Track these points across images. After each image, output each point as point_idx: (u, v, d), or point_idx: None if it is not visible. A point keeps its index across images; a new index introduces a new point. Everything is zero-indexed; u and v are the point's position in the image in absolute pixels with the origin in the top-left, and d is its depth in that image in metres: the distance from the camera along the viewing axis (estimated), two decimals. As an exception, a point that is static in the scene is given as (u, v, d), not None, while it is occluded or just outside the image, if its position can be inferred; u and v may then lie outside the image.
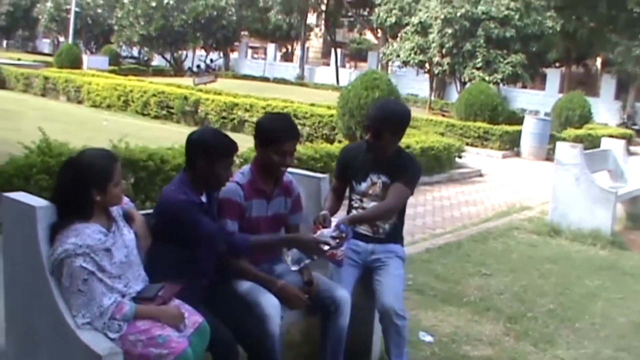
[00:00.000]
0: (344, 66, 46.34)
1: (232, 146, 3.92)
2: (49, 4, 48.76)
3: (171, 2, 38.85)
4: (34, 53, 51.24)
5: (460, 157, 15.07)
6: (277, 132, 4.09)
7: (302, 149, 10.80)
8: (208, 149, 3.83)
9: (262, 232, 4.25)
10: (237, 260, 4.14)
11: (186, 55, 45.10)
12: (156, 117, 21.79)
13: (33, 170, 7.45)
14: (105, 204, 3.49)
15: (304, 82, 40.57)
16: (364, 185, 4.57)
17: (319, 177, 4.92)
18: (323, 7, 45.42)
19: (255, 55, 56.77)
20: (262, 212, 4.26)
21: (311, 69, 46.45)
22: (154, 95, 22.36)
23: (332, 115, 17.17)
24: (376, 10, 32.50)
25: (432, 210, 10.83)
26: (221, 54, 47.05)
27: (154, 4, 38.75)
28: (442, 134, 17.14)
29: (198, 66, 42.99)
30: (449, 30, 26.23)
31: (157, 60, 46.90)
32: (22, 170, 7.45)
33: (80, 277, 3.28)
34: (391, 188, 4.48)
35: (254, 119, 19.00)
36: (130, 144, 8.95)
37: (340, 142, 14.54)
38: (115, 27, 43.18)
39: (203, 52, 45.54)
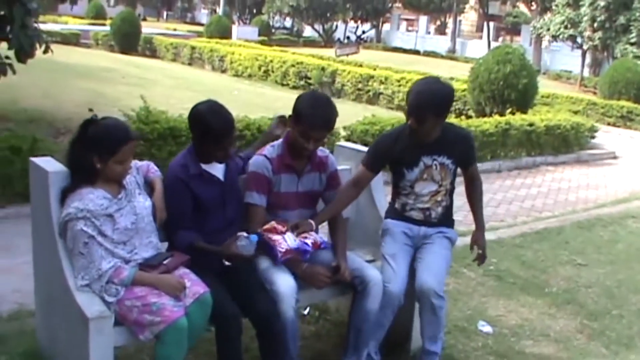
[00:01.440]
0: (496, 40, 44.85)
1: (227, 127, 3.75)
2: (205, -24, 50.28)
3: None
4: (191, 23, 53.06)
5: (593, 137, 14.13)
6: (309, 117, 3.86)
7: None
8: (204, 129, 3.72)
9: (291, 208, 4.09)
10: None
11: (336, 27, 45.19)
12: (294, 88, 21.88)
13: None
14: (105, 174, 3.47)
15: (454, 56, 39.68)
16: (416, 171, 4.23)
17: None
18: (476, -22, 44.14)
19: (410, 28, 56.10)
20: (291, 187, 4.08)
21: (463, 43, 45.38)
22: (292, 65, 22.52)
23: (465, 90, 16.59)
24: (527, -19, 31.21)
25: (546, 192, 10.22)
26: (373, 26, 46.77)
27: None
28: (576, 112, 16.12)
29: (348, 37, 42.99)
30: (602, 3, 24.72)
31: (308, 32, 47.30)
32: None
33: (81, 240, 3.34)
34: (471, 172, 4.39)
35: (389, 92, 18.85)
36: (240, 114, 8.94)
37: (469, 117, 14.03)
38: (267, -1, 43.85)
39: (355, 24, 45.49)
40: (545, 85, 21.61)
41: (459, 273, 6.08)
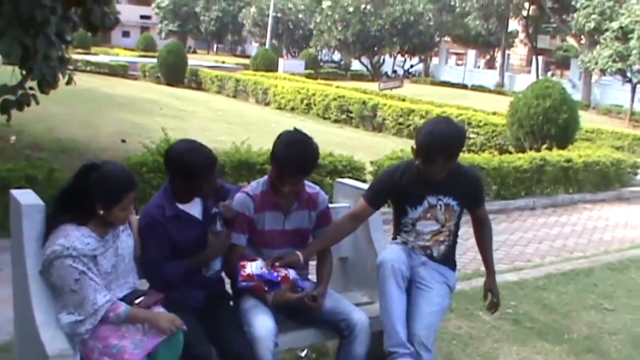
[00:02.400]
0: (545, 74, 44.31)
1: (208, 163, 3.64)
2: (252, 10, 50.80)
3: (369, 7, 38.98)
4: (241, 56, 53.65)
5: (636, 174, 13.66)
6: (282, 160, 3.72)
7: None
8: (185, 168, 3.60)
9: (277, 246, 3.93)
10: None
11: (383, 60, 45.19)
12: (336, 121, 21.86)
13: (143, 169, 7.55)
14: (107, 221, 3.38)
15: (502, 90, 39.30)
16: (420, 210, 4.05)
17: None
18: (525, 13, 43.69)
19: (460, 62, 55.86)
20: (277, 225, 3.92)
21: (512, 77, 45.00)
22: (334, 99, 22.49)
23: (504, 125, 16.28)
24: (574, 15, 30.76)
25: (580, 231, 9.85)
26: (421, 60, 46.68)
27: (351, 9, 39.17)
28: (619, 148, 15.63)
29: (395, 71, 42.94)
30: (651, 36, 24.21)
31: (357, 65, 47.40)
32: (134, 168, 7.55)
33: (72, 277, 3.21)
34: (478, 213, 4.23)
35: (429, 126, 18.49)
36: (253, 146, 8.90)
37: (510, 152, 13.74)
38: (314, 32, 44.06)
39: (405, 57, 45.44)
40: (593, 121, 21.21)
41: (474, 315, 5.80)
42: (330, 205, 4.54)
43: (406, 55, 44.40)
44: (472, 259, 7.80)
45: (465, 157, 10.54)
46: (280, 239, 3.92)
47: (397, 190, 4.06)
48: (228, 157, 8.28)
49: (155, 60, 32.37)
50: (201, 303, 3.74)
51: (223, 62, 43.25)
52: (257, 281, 3.68)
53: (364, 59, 43.91)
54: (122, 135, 13.10)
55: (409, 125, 19.51)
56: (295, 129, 3.85)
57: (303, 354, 4.78)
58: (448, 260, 4.17)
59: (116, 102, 18.32)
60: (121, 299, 3.39)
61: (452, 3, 43.03)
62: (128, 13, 67.91)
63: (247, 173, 8.35)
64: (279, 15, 46.36)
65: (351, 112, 21.66)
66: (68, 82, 8.99)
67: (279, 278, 3.72)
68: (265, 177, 3.94)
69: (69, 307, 3.26)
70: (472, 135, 17.48)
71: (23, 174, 7.00)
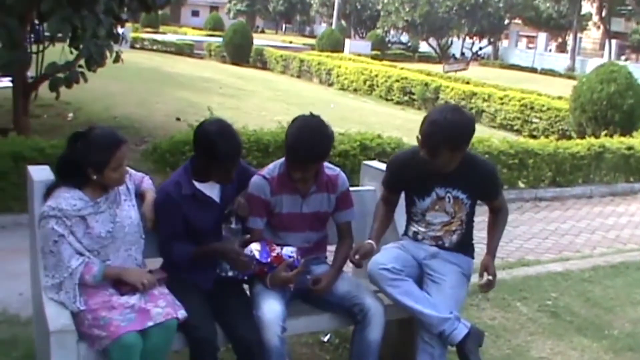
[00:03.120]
0: (619, 58, 43.02)
1: (234, 150, 3.55)
2: (321, -11, 50.70)
3: (437, -12, 38.47)
4: (308, 37, 53.55)
5: None
6: (292, 150, 3.61)
7: (497, 141, 9.98)
8: (210, 150, 3.52)
9: (296, 230, 3.83)
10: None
11: (451, 42, 44.54)
12: (398, 103, 21.69)
13: (186, 148, 7.54)
14: (103, 184, 3.42)
15: (572, 75, 38.24)
16: (427, 201, 3.89)
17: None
18: (598, -5, 42.52)
19: (530, 45, 54.68)
20: (295, 208, 3.81)
21: (583, 61, 43.74)
22: (397, 80, 22.30)
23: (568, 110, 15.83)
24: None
25: (637, 222, 9.43)
26: (490, 42, 45.83)
27: (419, -10, 38.64)
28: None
29: (463, 54, 42.33)
30: None
31: (425, 47, 46.85)
32: (177, 146, 7.58)
33: (51, 239, 3.28)
34: (495, 204, 4.00)
35: (492, 110, 18.26)
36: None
37: (571, 138, 13.33)
38: (382, 13, 43.66)
39: (473, 39, 44.71)
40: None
41: (511, 307, 5.61)
42: (356, 188, 4.45)
43: (475, 38, 43.64)
44: (517, 248, 7.60)
45: (520, 142, 10.26)
46: (299, 222, 3.83)
47: (405, 177, 3.91)
48: (273, 137, 8.21)
49: (221, 39, 32.54)
50: (211, 285, 3.68)
51: (290, 42, 43.28)
52: (255, 265, 3.59)
53: (432, 41, 43.33)
54: (178, 113, 13.16)
55: (471, 108, 19.14)
56: (312, 114, 3.71)
57: (326, 339, 4.70)
58: (462, 246, 3.99)
59: (176, 80, 18.44)
60: None
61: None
62: (198, -8, 68.76)
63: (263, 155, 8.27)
64: (347, -5, 46.14)
65: (414, 94, 21.44)
66: (116, 60, 9.04)
67: (269, 259, 3.61)
68: (282, 159, 3.83)
69: (48, 268, 3.33)
70: (534, 120, 17.10)
71: (61, 149, 7.03)
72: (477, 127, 13.00)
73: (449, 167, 3.74)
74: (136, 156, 9.06)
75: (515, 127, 17.60)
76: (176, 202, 3.57)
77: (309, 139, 3.54)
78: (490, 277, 3.93)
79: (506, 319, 5.38)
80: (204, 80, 19.43)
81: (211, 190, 3.68)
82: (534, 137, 15.56)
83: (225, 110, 14.37)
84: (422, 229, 3.96)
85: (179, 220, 3.59)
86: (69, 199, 3.32)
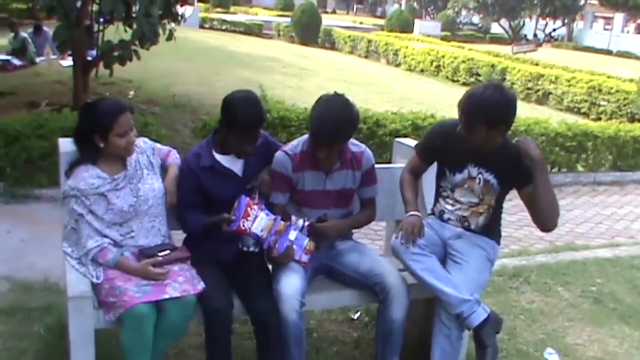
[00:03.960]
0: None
1: (254, 121, 3.53)
2: (391, -30, 50.17)
3: (509, -32, 37.63)
4: (380, 17, 53.14)
5: None
6: (316, 124, 3.56)
7: (555, 124, 9.76)
8: (231, 118, 3.52)
9: (320, 207, 3.80)
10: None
11: (523, 23, 43.58)
12: (464, 84, 21.29)
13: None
14: (111, 152, 3.47)
15: (650, 56, 37.06)
16: (458, 177, 3.79)
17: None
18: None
19: (608, 26, 53.10)
20: (318, 185, 3.79)
21: (663, 42, 42.33)
22: (463, 61, 21.97)
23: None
24: None
25: None
26: (564, 23, 44.70)
27: (491, -30, 37.87)
28: None
29: (535, 35, 41.41)
30: None
31: (496, 28, 46.00)
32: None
33: (73, 217, 3.43)
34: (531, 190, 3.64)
35: (559, 92, 17.88)
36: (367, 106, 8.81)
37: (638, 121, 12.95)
38: (452, -7, 43.08)
39: (546, 21, 43.69)
40: None
41: (552, 291, 5.50)
42: (387, 165, 4.40)
43: (548, 19, 42.60)
44: (567, 232, 7.45)
45: (578, 124, 10.00)
46: (323, 199, 3.80)
47: (443, 148, 3.80)
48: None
49: (289, 20, 32.56)
50: (232, 258, 3.69)
51: (361, 23, 42.97)
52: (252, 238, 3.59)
53: (504, 22, 42.47)
54: (237, 92, 13.23)
55: (538, 90, 18.82)
56: (336, 93, 3.67)
57: (355, 317, 4.69)
58: (489, 230, 3.86)
59: (239, 59, 18.53)
60: (144, 249, 3.48)
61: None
62: (269, -27, 68.85)
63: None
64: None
65: (480, 76, 21.08)
66: (169, 38, 9.11)
67: (261, 232, 3.58)
68: (305, 135, 3.80)
69: (69, 240, 3.49)
70: (602, 103, 16.65)
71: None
72: (544, 109, 12.99)
73: (486, 146, 3.62)
74: (188, 132, 9.19)
75: (583, 110, 17.18)
76: (194, 173, 3.61)
77: (333, 120, 3.49)
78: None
79: (545, 303, 5.28)
80: (267, 60, 19.47)
81: (233, 163, 3.68)
82: (601, 120, 15.18)
83: (285, 89, 14.45)
84: (449, 207, 3.87)
85: (197, 192, 3.62)
86: (87, 178, 3.41)
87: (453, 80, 21.92)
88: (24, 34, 14.57)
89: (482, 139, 3.57)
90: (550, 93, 18.41)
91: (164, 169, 3.75)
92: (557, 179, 9.51)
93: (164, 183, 3.67)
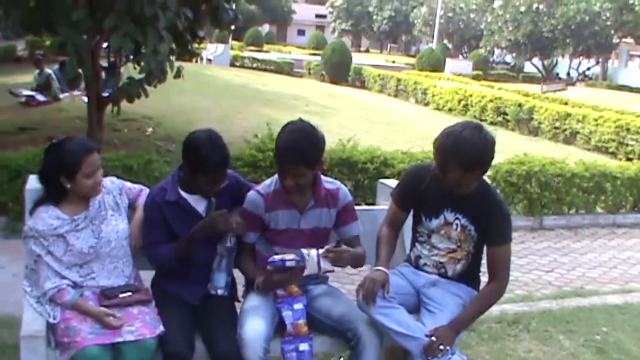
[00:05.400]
0: None
1: (220, 162, 3.46)
2: (423, 9, 50.32)
3: (541, 7, 37.45)
4: (413, 56, 53.34)
5: None
6: (281, 146, 3.46)
7: (573, 164, 9.54)
8: (196, 159, 3.45)
9: (293, 247, 3.64)
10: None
11: (556, 62, 43.32)
12: (492, 123, 21.15)
13: (238, 163, 7.57)
14: (77, 193, 3.42)
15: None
16: (435, 222, 3.66)
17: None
18: None
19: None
20: (292, 224, 3.68)
21: (700, 83, 41.71)
22: (491, 100, 21.83)
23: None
24: None
25: None
26: (597, 62, 44.36)
27: (523, 9, 37.78)
28: None
29: (568, 74, 41.12)
30: None
31: (529, 67, 45.81)
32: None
33: (32, 258, 3.38)
34: (492, 256, 3.57)
35: (586, 131, 17.65)
36: (387, 145, 8.73)
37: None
38: (484, 32, 43.00)
39: (580, 59, 43.39)
40: None
41: (552, 339, 5.28)
42: (369, 207, 4.28)
43: (581, 57, 42.30)
44: (578, 277, 7.20)
45: (597, 165, 9.75)
46: (297, 238, 3.67)
47: (417, 193, 3.67)
48: (328, 154, 8.10)
49: (320, 58, 32.77)
50: (199, 301, 3.60)
51: (393, 62, 43.23)
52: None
53: (536, 61, 42.28)
54: (258, 130, 13.15)
55: (565, 129, 18.59)
56: (301, 119, 3.59)
57: (339, 360, 4.54)
58: (466, 277, 3.70)
59: (263, 97, 18.59)
60: (105, 289, 3.42)
61: (632, 1, 40.27)
62: (304, 11, 69.83)
63: (348, 171, 8.17)
64: (450, 14, 45.58)
65: (507, 115, 20.93)
66: (177, 76, 9.14)
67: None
68: (276, 175, 3.71)
69: (29, 280, 3.42)
70: (630, 142, 16.37)
71: (120, 163, 7.20)
72: (571, 149, 12.74)
73: (461, 188, 3.50)
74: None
75: (611, 150, 16.93)
76: (159, 208, 3.53)
77: (295, 144, 3.39)
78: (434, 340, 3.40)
79: (543, 353, 5.06)
80: (292, 98, 19.52)
81: (197, 202, 3.61)
82: (630, 160, 14.90)
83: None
84: (426, 252, 3.73)
85: (162, 227, 3.54)
86: (46, 218, 3.36)
87: (481, 119, 21.70)
88: (48, 71, 14.79)
89: (457, 181, 3.44)
90: (577, 132, 18.19)
91: (132, 209, 3.69)
92: (574, 221, 9.31)
93: (130, 224, 3.60)
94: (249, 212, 3.65)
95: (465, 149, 3.33)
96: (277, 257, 3.45)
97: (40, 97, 14.33)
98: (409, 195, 3.74)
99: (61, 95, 14.89)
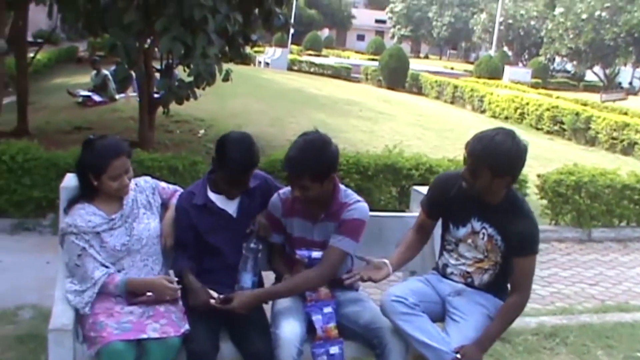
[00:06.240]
0: None
1: (245, 163, 3.50)
2: (483, 16, 49.84)
3: (603, 15, 36.75)
4: (472, 63, 52.92)
5: None
6: (286, 158, 3.49)
7: (625, 175, 9.31)
8: (223, 158, 3.51)
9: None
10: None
11: (618, 70, 42.45)
12: (548, 132, 20.89)
13: (278, 165, 7.58)
14: (105, 192, 3.49)
15: None
16: (462, 231, 3.63)
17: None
18: None
19: None
20: (306, 234, 3.69)
21: None
22: (547, 109, 21.46)
23: None
24: None
25: None
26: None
27: (585, 16, 37.11)
28: None
29: (630, 82, 40.27)
30: None
31: (591, 76, 45.02)
32: (273, 164, 7.65)
33: (75, 252, 3.43)
34: (516, 266, 3.51)
35: (646, 142, 17.28)
36: (405, 151, 8.75)
37: None
38: (545, 39, 42.39)
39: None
40: None
41: (590, 354, 5.17)
42: (401, 214, 4.27)
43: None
44: (624, 291, 7.03)
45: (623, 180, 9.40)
46: (312, 248, 3.67)
47: (444, 201, 3.65)
48: (373, 161, 8.10)
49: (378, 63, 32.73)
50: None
51: (452, 68, 42.94)
52: None
53: (597, 69, 41.52)
54: (307, 134, 13.29)
55: (623, 140, 18.18)
56: (316, 130, 3.59)
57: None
58: (493, 287, 3.65)
59: (318, 102, 18.65)
60: None
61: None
62: (363, 17, 69.87)
63: (393, 177, 8.15)
64: (510, 21, 45.04)
65: (564, 124, 20.57)
66: (225, 79, 9.25)
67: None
68: None
69: (73, 278, 3.47)
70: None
71: (166, 164, 7.32)
72: (629, 159, 12.39)
73: (489, 195, 3.47)
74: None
75: (671, 161, 16.52)
76: (186, 211, 3.60)
77: (303, 152, 3.41)
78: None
79: (577, 367, 4.98)
80: (346, 103, 19.53)
81: (227, 203, 3.65)
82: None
83: (357, 133, 14.44)
84: (453, 261, 3.71)
85: (188, 231, 3.60)
86: (84, 215, 3.44)
87: (537, 129, 21.43)
88: (105, 72, 15.09)
89: (485, 187, 3.41)
90: (636, 143, 17.78)
91: (165, 209, 3.75)
92: (624, 234, 9.10)
93: (162, 223, 3.67)
94: (270, 214, 3.71)
95: (496, 153, 3.30)
96: (304, 249, 3.53)
97: (96, 98, 14.66)
98: (437, 203, 3.73)
99: (117, 96, 15.20)
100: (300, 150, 3.42)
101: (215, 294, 3.45)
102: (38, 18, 17.43)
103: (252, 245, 3.62)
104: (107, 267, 3.43)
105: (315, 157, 3.41)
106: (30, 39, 15.39)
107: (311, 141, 3.46)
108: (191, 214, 3.59)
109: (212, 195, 3.64)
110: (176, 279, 3.54)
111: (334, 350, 3.53)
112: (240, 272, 3.60)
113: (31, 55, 12.75)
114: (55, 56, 24.20)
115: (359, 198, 3.71)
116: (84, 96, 14.56)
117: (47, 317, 4.78)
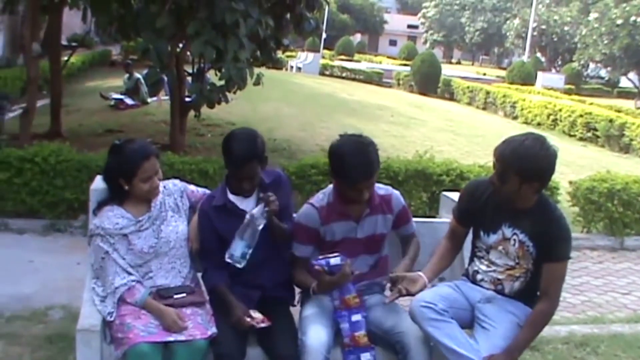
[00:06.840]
0: None
1: (242, 156, 3.46)
2: (516, 21, 49.52)
3: (639, 20, 36.22)
4: (504, 69, 52.62)
5: None
6: (350, 170, 3.47)
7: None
8: (224, 153, 3.54)
9: (351, 255, 3.65)
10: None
11: (655, 77, 41.87)
12: (581, 139, 20.66)
13: (312, 171, 7.62)
14: (135, 195, 3.52)
15: None
16: (493, 238, 3.60)
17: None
18: None
19: None
20: (350, 234, 3.71)
21: None
22: (580, 115, 21.23)
23: None
24: None
25: None
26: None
27: (620, 22, 36.57)
28: None
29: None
30: None
31: (626, 82, 44.47)
32: (304, 169, 7.64)
33: (99, 255, 3.48)
34: (546, 272, 3.48)
35: (680, 150, 17.03)
36: (436, 157, 8.71)
37: None
38: (578, 45, 41.96)
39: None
40: None
41: (622, 364, 5.11)
42: (429, 220, 4.27)
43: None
44: (654, 299, 6.93)
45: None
46: (356, 247, 3.71)
47: (475, 208, 3.63)
48: (404, 166, 8.07)
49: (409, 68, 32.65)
50: (255, 305, 3.60)
51: (484, 74, 42.72)
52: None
53: (632, 76, 40.95)
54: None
55: (656, 148, 17.98)
56: (353, 134, 3.63)
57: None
58: (524, 295, 3.59)
59: (348, 107, 18.65)
60: (160, 289, 3.51)
61: None
62: (396, 22, 69.86)
63: (423, 183, 8.10)
64: (544, 27, 44.67)
65: (597, 130, 20.34)
66: (256, 83, 9.29)
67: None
68: (330, 186, 3.74)
69: (98, 280, 3.53)
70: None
71: (197, 167, 7.38)
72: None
73: (518, 201, 3.44)
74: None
75: None
76: (207, 214, 3.62)
77: (364, 160, 3.47)
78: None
79: (609, 379, 4.91)
80: (377, 108, 19.50)
81: (245, 202, 3.65)
82: None
83: (388, 138, 14.41)
84: (484, 268, 3.67)
85: (211, 235, 3.61)
86: (112, 217, 3.48)
87: (570, 135, 21.22)
88: (137, 75, 15.23)
89: (514, 192, 3.39)
90: (670, 152, 17.58)
91: (193, 212, 3.76)
92: (657, 242, 8.98)
93: (189, 226, 3.68)
94: (304, 226, 3.69)
95: (524, 158, 3.28)
96: (321, 258, 3.49)
97: (128, 101, 14.80)
98: (467, 210, 3.71)
99: (149, 99, 15.32)
100: (363, 154, 3.48)
101: (255, 315, 3.47)
102: (72, 22, 17.64)
103: (254, 211, 3.50)
104: (129, 273, 3.46)
105: (377, 160, 3.56)
106: (64, 42, 15.59)
107: (370, 144, 3.55)
108: (211, 215, 3.61)
109: (231, 196, 3.65)
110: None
111: (365, 357, 3.52)
112: (235, 238, 3.50)
113: (65, 58, 12.90)
114: (88, 59, 24.47)
115: (386, 187, 3.85)
116: (116, 99, 14.71)
117: (77, 318, 4.84)
